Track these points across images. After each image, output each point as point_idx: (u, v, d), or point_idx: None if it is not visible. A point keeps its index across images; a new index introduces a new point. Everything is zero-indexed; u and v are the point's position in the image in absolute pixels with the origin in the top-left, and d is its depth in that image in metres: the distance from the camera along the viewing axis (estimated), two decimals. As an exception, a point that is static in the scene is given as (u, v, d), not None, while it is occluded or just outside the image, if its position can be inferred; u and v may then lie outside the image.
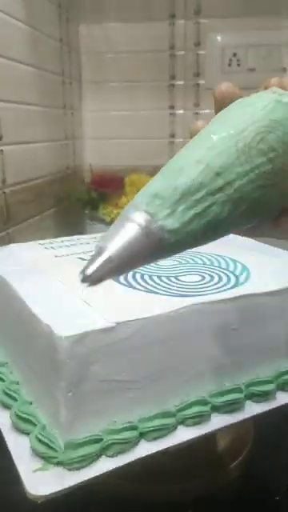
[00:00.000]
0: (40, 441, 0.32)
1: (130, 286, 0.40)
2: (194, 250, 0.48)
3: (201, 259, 0.47)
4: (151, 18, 1.01)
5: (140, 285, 0.40)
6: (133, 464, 0.32)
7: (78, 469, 0.31)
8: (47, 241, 0.56)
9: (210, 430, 0.35)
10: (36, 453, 0.32)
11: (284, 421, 0.45)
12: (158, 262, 0.45)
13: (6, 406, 0.36)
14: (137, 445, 0.33)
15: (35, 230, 0.83)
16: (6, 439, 0.34)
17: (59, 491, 0.30)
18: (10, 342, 0.41)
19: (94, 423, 0.33)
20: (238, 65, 1.00)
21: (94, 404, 0.33)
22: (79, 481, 0.31)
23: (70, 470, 0.31)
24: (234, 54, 0.99)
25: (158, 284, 0.40)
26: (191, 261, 0.47)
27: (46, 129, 0.88)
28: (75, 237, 0.58)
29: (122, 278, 0.41)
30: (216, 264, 0.46)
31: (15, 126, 0.75)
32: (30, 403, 0.35)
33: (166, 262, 0.45)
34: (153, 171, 0.98)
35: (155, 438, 0.34)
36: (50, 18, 0.89)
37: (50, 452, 0.31)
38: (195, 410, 0.35)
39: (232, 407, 0.37)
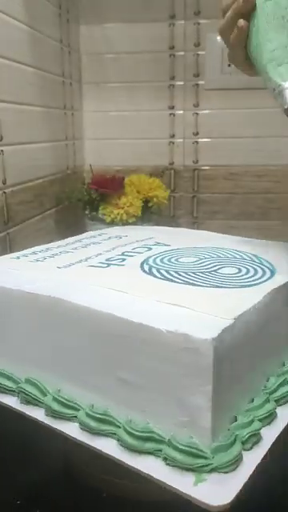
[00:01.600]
0: (186, 453, 0.32)
1: (190, 283, 0.41)
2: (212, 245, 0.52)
3: (223, 254, 0.50)
4: (151, 18, 1.01)
5: (201, 281, 0.41)
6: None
7: (232, 470, 0.31)
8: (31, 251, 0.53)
9: None
10: (183, 466, 0.31)
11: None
12: (180, 259, 0.48)
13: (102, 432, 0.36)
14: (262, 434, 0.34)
15: (35, 230, 0.83)
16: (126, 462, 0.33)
17: (237, 494, 0.30)
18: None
19: (228, 421, 0.34)
20: (238, 65, 1.00)
21: (228, 402, 0.33)
22: (246, 479, 0.30)
23: (226, 473, 0.31)
24: (234, 55, 0.99)
25: (221, 278, 0.42)
26: (214, 255, 0.49)
27: (47, 129, 0.89)
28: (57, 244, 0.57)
29: (179, 278, 0.42)
30: (241, 258, 0.48)
31: (15, 127, 0.75)
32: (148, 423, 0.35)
33: (188, 259, 0.47)
34: (153, 171, 0.99)
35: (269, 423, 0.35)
36: (50, 19, 0.89)
37: (200, 461, 0.31)
38: None
39: None
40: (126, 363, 0.35)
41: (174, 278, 0.42)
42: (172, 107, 1.06)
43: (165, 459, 0.32)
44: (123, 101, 1.07)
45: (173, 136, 1.08)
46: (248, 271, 0.44)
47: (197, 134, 1.07)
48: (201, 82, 1.04)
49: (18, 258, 0.50)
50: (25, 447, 0.51)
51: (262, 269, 0.44)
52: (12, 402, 0.41)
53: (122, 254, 0.50)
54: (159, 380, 0.33)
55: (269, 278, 0.42)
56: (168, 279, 0.42)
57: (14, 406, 0.40)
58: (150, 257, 0.48)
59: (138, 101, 1.06)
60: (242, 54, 0.45)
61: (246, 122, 1.04)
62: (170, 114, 1.07)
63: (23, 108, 0.78)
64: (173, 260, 0.47)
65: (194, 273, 0.43)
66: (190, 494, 0.30)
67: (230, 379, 0.33)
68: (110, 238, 0.59)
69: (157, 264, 0.46)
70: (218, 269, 0.44)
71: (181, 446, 0.32)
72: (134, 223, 0.89)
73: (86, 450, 0.46)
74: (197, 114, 1.06)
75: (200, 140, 1.07)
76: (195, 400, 0.31)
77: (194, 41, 1.02)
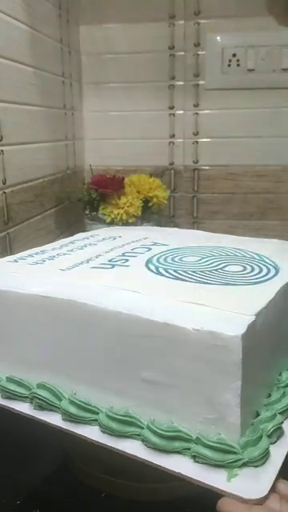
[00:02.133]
0: (216, 449, 0.32)
1: (201, 282, 0.41)
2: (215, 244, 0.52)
3: (224, 252, 0.50)
4: (151, 18, 1.01)
5: (211, 279, 0.41)
6: None
7: (262, 464, 0.31)
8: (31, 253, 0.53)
9: None
10: (213, 463, 0.32)
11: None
12: (183, 258, 0.48)
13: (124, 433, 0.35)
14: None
15: (35, 230, 0.83)
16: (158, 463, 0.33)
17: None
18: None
19: (251, 416, 0.34)
20: (238, 65, 1.00)
21: (251, 397, 0.33)
22: (277, 472, 0.31)
23: (256, 467, 0.31)
24: (234, 55, 0.99)
25: (231, 275, 0.43)
26: (217, 254, 0.49)
27: (47, 129, 0.89)
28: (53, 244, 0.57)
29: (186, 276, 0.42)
30: (242, 256, 0.48)
31: (16, 127, 0.75)
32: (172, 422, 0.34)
33: (191, 258, 0.47)
34: (153, 171, 1.00)
35: None
36: (50, 19, 0.89)
37: (231, 457, 0.31)
38: None
39: None
40: (149, 363, 0.34)
41: (184, 277, 0.42)
42: (172, 107, 1.06)
43: (194, 457, 0.32)
44: (123, 101, 1.07)
45: (173, 136, 1.08)
46: (253, 269, 0.44)
47: (197, 133, 1.07)
48: (201, 82, 1.04)
49: (16, 261, 0.49)
50: (24, 448, 0.51)
51: (265, 266, 0.45)
52: (24, 408, 0.39)
53: (123, 254, 0.50)
54: (185, 379, 0.33)
55: (275, 275, 0.42)
56: (179, 278, 0.42)
57: (27, 413, 0.39)
58: (153, 256, 0.48)
59: (138, 101, 1.06)
60: None
61: (246, 121, 1.04)
62: (170, 114, 1.07)
63: (23, 108, 0.78)
64: (176, 259, 0.47)
65: (201, 271, 0.43)
66: (225, 490, 0.30)
67: (253, 375, 0.33)
68: (103, 239, 0.59)
69: (162, 264, 0.46)
70: (224, 267, 0.45)
71: (211, 443, 0.32)
72: (133, 223, 0.89)
73: (86, 451, 0.46)
74: (197, 114, 1.06)
75: (200, 140, 1.07)
76: (224, 397, 0.32)
77: (194, 41, 1.02)
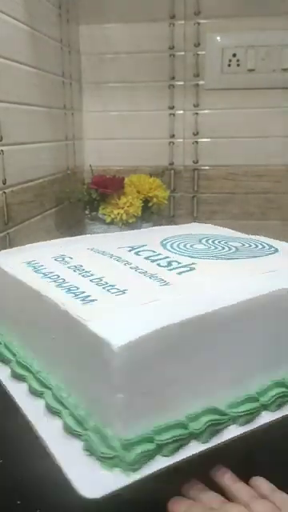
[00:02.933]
0: (94, 441, 0.32)
1: (234, 258, 0.46)
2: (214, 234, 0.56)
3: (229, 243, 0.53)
4: (151, 18, 1.01)
5: (238, 255, 0.46)
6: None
7: (134, 469, 0.32)
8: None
9: (258, 426, 0.37)
10: (92, 454, 0.33)
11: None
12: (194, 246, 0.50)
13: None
14: (188, 443, 0.34)
15: (35, 230, 0.83)
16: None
17: (120, 489, 0.31)
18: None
19: (146, 423, 0.34)
20: (238, 65, 1.00)
21: (145, 404, 0.33)
22: (137, 478, 0.32)
23: (125, 470, 0.32)
24: (234, 55, 1.00)
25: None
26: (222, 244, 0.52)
27: (47, 129, 0.89)
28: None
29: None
30: (231, 237, 0.54)
31: (15, 127, 0.75)
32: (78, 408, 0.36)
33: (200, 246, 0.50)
34: (153, 171, 0.99)
35: (207, 437, 0.35)
36: (50, 19, 0.89)
37: (109, 452, 0.32)
38: (246, 407, 0.36)
39: (280, 401, 0.38)
40: None
41: (220, 256, 0.45)
42: (172, 107, 1.06)
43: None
44: (123, 101, 1.07)
45: (173, 136, 1.08)
46: (250, 245, 0.49)
47: (197, 133, 1.07)
48: (201, 82, 1.04)
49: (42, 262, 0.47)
50: (24, 447, 0.51)
51: (260, 244, 0.49)
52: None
53: (148, 259, 0.47)
54: None
55: (278, 250, 0.47)
56: (215, 257, 0.45)
57: None
58: (168, 258, 0.47)
59: (138, 101, 1.06)
60: None
61: (245, 121, 1.04)
62: (170, 114, 1.07)
63: (23, 108, 0.78)
64: (188, 246, 0.50)
65: (223, 248, 0.48)
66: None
67: None
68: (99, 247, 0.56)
69: (179, 249, 0.48)
70: (231, 244, 0.49)
71: None
72: (133, 223, 0.89)
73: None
74: (197, 114, 1.06)
75: (200, 140, 1.07)
76: None
77: (194, 41, 1.02)
